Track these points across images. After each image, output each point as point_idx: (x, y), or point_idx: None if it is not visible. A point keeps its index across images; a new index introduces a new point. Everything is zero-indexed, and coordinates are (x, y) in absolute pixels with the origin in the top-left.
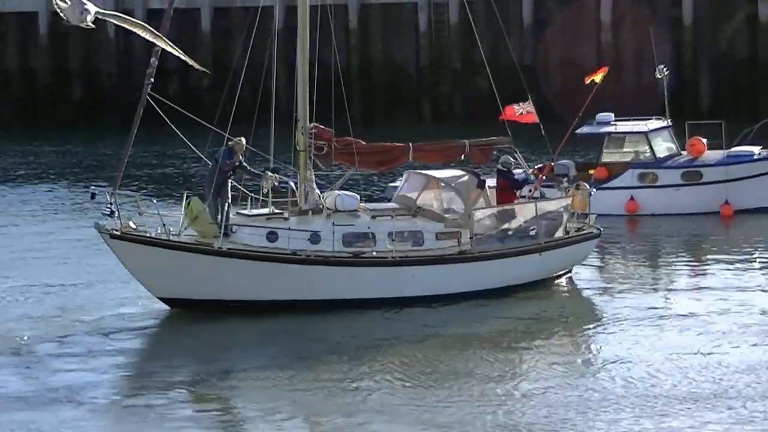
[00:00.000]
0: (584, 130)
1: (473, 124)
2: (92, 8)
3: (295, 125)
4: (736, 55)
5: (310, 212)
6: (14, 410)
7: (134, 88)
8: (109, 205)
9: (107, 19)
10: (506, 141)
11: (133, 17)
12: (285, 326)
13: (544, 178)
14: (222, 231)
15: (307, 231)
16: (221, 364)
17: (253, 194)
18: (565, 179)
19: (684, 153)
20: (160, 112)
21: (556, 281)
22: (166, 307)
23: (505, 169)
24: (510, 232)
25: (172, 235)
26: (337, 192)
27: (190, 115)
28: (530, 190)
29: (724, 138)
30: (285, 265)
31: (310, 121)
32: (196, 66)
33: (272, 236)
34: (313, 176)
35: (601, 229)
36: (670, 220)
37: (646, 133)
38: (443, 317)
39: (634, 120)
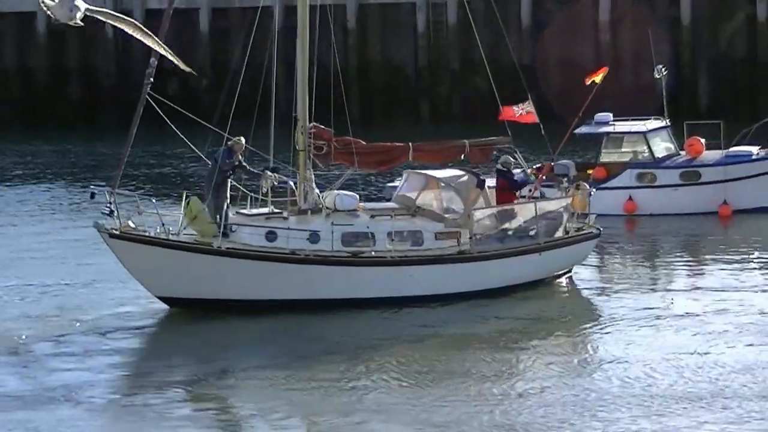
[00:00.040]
0: (583, 130)
1: (472, 124)
2: (82, 5)
3: (294, 125)
4: (735, 55)
5: (309, 212)
6: (12, 409)
7: (133, 88)
8: (108, 205)
9: (96, 16)
10: (506, 141)
11: (132, 17)
12: (284, 326)
13: (544, 178)
14: (221, 230)
15: (306, 230)
16: (220, 364)
17: (252, 194)
18: (565, 179)
19: (682, 153)
20: (159, 111)
21: (556, 281)
22: (165, 306)
23: (504, 169)
24: (509, 232)
25: (172, 234)
26: (336, 192)
27: (189, 114)
28: (530, 190)
29: (723, 138)
30: (284, 265)
31: (310, 121)
32: (182, 66)
33: (271, 236)
34: (313, 176)
35: (601, 229)
36: (669, 220)
37: (644, 133)
38: (442, 317)
39: (632, 120)
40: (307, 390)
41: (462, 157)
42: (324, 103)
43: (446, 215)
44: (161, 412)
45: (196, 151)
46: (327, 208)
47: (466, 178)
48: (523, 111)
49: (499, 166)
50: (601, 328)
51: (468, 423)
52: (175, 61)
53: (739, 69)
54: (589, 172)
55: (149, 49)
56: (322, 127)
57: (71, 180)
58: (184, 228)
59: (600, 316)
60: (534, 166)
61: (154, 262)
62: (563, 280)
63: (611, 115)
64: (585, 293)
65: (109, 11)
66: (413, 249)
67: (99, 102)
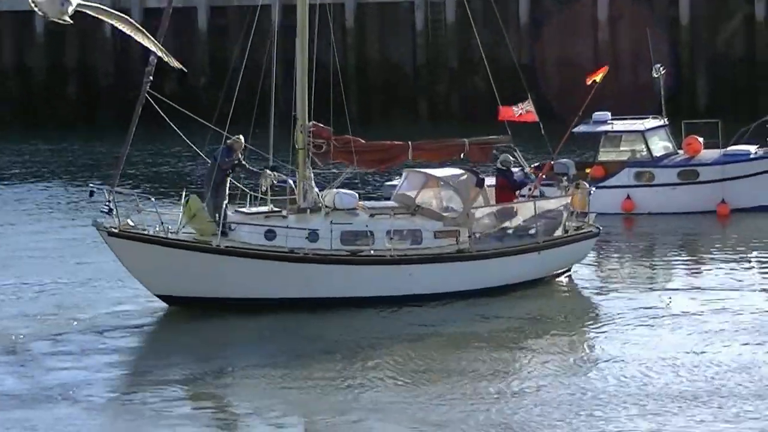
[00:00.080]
0: (581, 129)
1: (470, 123)
2: (74, 0)
3: (293, 124)
4: (733, 55)
5: (309, 210)
6: (10, 408)
7: (131, 87)
8: (107, 203)
9: (87, 11)
10: (506, 140)
11: (130, 16)
12: (283, 324)
13: (543, 176)
14: (220, 229)
15: (306, 229)
16: (218, 362)
17: (252, 192)
18: (565, 178)
19: (680, 152)
20: (159, 110)
21: (555, 280)
22: (164, 305)
23: (504, 168)
24: (509, 231)
25: (171, 232)
26: (335, 190)
27: (188, 113)
28: (530, 189)
29: (721, 137)
30: (283, 264)
31: (309, 120)
32: (173, 62)
33: (270, 234)
34: (312, 174)
35: (601, 228)
36: (667, 219)
37: (642, 132)
38: (441, 316)
39: (630, 119)
40: (305, 388)
41: (461, 155)
42: (323, 101)
43: (445, 214)
44: (159, 411)
45: (196, 149)
46: (326, 206)
47: (465, 176)
48: (523, 110)
49: (498, 165)
50: (598, 327)
51: (464, 422)
52: (165, 58)
53: (737, 68)
54: (587, 170)
55: (147, 47)
56: (322, 125)
57: (70, 179)
58: (183, 226)
59: (598, 315)
60: (532, 165)
61: (153, 260)
62: (563, 279)
63: (609, 114)
64: (584, 292)
65: (100, 6)
66: (412, 248)
67: (98, 101)
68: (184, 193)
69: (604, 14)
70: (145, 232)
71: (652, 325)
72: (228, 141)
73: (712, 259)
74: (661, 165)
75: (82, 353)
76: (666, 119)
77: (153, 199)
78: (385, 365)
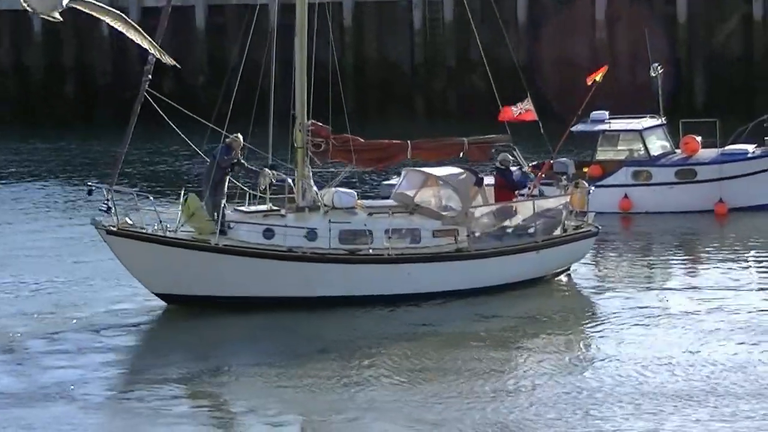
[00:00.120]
0: (579, 128)
1: (468, 121)
2: None
3: (292, 122)
4: (731, 54)
5: (307, 209)
6: (6, 407)
7: (129, 86)
8: (105, 201)
9: (77, 6)
10: (505, 139)
11: (128, 15)
12: (280, 323)
13: (543, 176)
14: (219, 228)
15: (304, 228)
16: (216, 361)
17: (251, 191)
18: (564, 177)
19: (678, 151)
20: (158, 108)
21: (554, 279)
22: (161, 303)
23: (503, 167)
24: (508, 230)
25: (169, 231)
26: (334, 189)
27: (187, 112)
28: (529, 188)
29: (719, 136)
30: (281, 262)
31: (308, 119)
32: (165, 60)
33: (269, 233)
34: (311, 173)
35: (600, 227)
36: (665, 218)
37: (640, 131)
38: (439, 315)
39: (628, 118)
40: (302, 387)
41: (461, 154)
42: (321, 100)
43: (444, 213)
44: (156, 409)
45: (195, 148)
46: (325, 205)
47: (464, 176)
48: (522, 109)
49: (498, 164)
50: (596, 326)
51: (460, 420)
52: (158, 55)
53: (735, 68)
54: (585, 170)
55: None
56: (320, 124)
57: (67, 178)
58: (182, 225)
59: (595, 314)
60: (530, 164)
61: (151, 259)
62: (562, 278)
63: (607, 113)
64: (582, 291)
65: (93, 2)
66: (411, 246)
67: (95, 100)
68: (182, 192)
69: (602, 14)
70: (144, 231)
71: (649, 325)
72: (227, 139)
73: (709, 258)
74: (659, 164)
75: (79, 352)
76: (663, 118)
77: (151, 197)
78: (382, 364)
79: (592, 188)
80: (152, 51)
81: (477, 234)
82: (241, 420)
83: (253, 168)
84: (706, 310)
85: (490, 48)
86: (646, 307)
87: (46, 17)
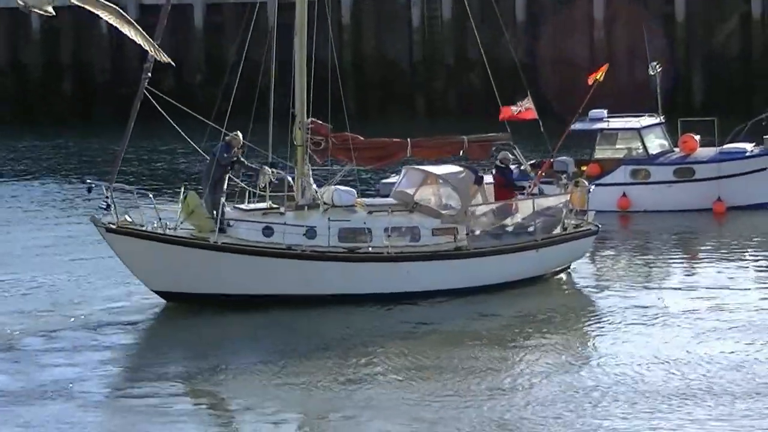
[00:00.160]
0: (577, 126)
1: (467, 119)
2: None
3: (292, 120)
4: (729, 53)
5: (306, 207)
6: (4, 405)
7: (127, 83)
8: (105, 199)
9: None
10: (505, 137)
11: (127, 13)
12: (279, 321)
13: (543, 174)
14: (218, 225)
15: (303, 226)
16: (214, 359)
17: (250, 189)
18: (564, 176)
19: (676, 150)
20: (157, 106)
21: (554, 278)
22: (161, 301)
23: (503, 166)
24: (507, 229)
25: (169, 229)
26: (334, 187)
27: (188, 110)
28: (529, 186)
29: (717, 135)
30: (280, 260)
31: (307, 117)
32: (160, 57)
33: (268, 231)
34: (310, 171)
35: (600, 226)
36: (663, 217)
37: (638, 130)
38: (438, 313)
39: (626, 116)
40: (300, 385)
41: (461, 153)
42: (320, 98)
43: (444, 211)
44: (155, 407)
45: (195, 146)
46: (324, 203)
47: (464, 174)
48: (522, 108)
49: (497, 163)
50: (595, 325)
51: (458, 419)
52: (152, 52)
53: (733, 67)
54: (584, 168)
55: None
56: (320, 122)
57: (65, 176)
58: (182, 223)
59: (595, 312)
60: (529, 162)
61: (151, 256)
62: (563, 276)
63: (605, 111)
64: (580, 290)
65: None
66: (410, 245)
67: (93, 98)
68: (182, 190)
69: (600, 13)
70: (143, 229)
71: (648, 323)
72: (227, 137)
73: (707, 257)
74: (657, 163)
75: (78, 350)
76: (662, 117)
77: (151, 195)
78: (380, 362)
79: (593, 187)
80: (147, 48)
81: (476, 232)
82: (239, 418)
83: (253, 166)
84: (704, 309)
85: (488, 47)
86: (644, 306)
87: (39, 12)
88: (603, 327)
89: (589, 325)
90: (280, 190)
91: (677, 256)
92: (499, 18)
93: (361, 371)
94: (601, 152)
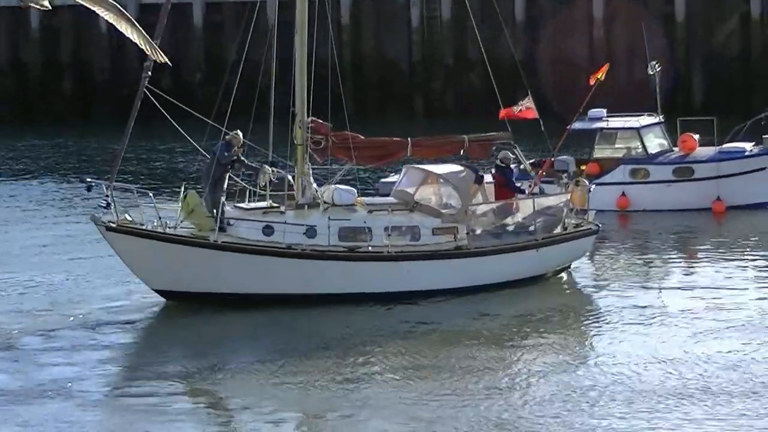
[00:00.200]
0: (576, 125)
1: (466, 119)
2: None
3: (292, 120)
4: (729, 53)
5: (307, 206)
6: (3, 404)
7: (127, 83)
8: (105, 198)
9: None
10: (506, 137)
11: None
12: (279, 320)
13: (543, 173)
14: (218, 224)
15: (303, 225)
16: (214, 358)
17: (251, 188)
18: (565, 175)
19: (676, 149)
20: (158, 105)
21: (554, 277)
22: (160, 300)
23: (503, 165)
24: (507, 228)
25: (169, 228)
26: (334, 186)
27: (189, 109)
28: (530, 186)
29: (716, 134)
30: (280, 259)
31: (307, 116)
32: (156, 56)
33: (268, 230)
34: (311, 170)
35: (600, 225)
36: (662, 216)
37: (637, 129)
38: (438, 313)
39: (626, 116)
40: (299, 384)
41: (461, 152)
42: (320, 98)
43: (444, 211)
44: (154, 406)
45: (195, 145)
46: (324, 202)
47: (464, 173)
48: (523, 107)
49: (498, 162)
50: (594, 325)
51: (456, 418)
52: (148, 51)
53: (733, 67)
54: (583, 167)
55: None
56: (320, 121)
57: (64, 175)
58: (182, 222)
59: (594, 312)
60: (529, 161)
61: (151, 255)
62: (563, 276)
63: (605, 111)
64: (580, 290)
65: None
66: (410, 244)
67: (93, 97)
68: (182, 189)
69: (599, 12)
70: (144, 227)
71: (646, 323)
72: (227, 136)
73: (706, 256)
74: (656, 162)
75: (77, 349)
76: (661, 116)
77: (151, 194)
78: (378, 361)
79: (593, 186)
80: (144, 47)
81: (477, 232)
82: (238, 416)
83: (253, 165)
84: (703, 308)
85: (488, 46)
86: (643, 306)
87: (36, 6)
88: (602, 327)
89: (587, 324)
90: (280, 189)
91: (676, 256)
92: (499, 17)
93: (360, 370)
94: (601, 152)
